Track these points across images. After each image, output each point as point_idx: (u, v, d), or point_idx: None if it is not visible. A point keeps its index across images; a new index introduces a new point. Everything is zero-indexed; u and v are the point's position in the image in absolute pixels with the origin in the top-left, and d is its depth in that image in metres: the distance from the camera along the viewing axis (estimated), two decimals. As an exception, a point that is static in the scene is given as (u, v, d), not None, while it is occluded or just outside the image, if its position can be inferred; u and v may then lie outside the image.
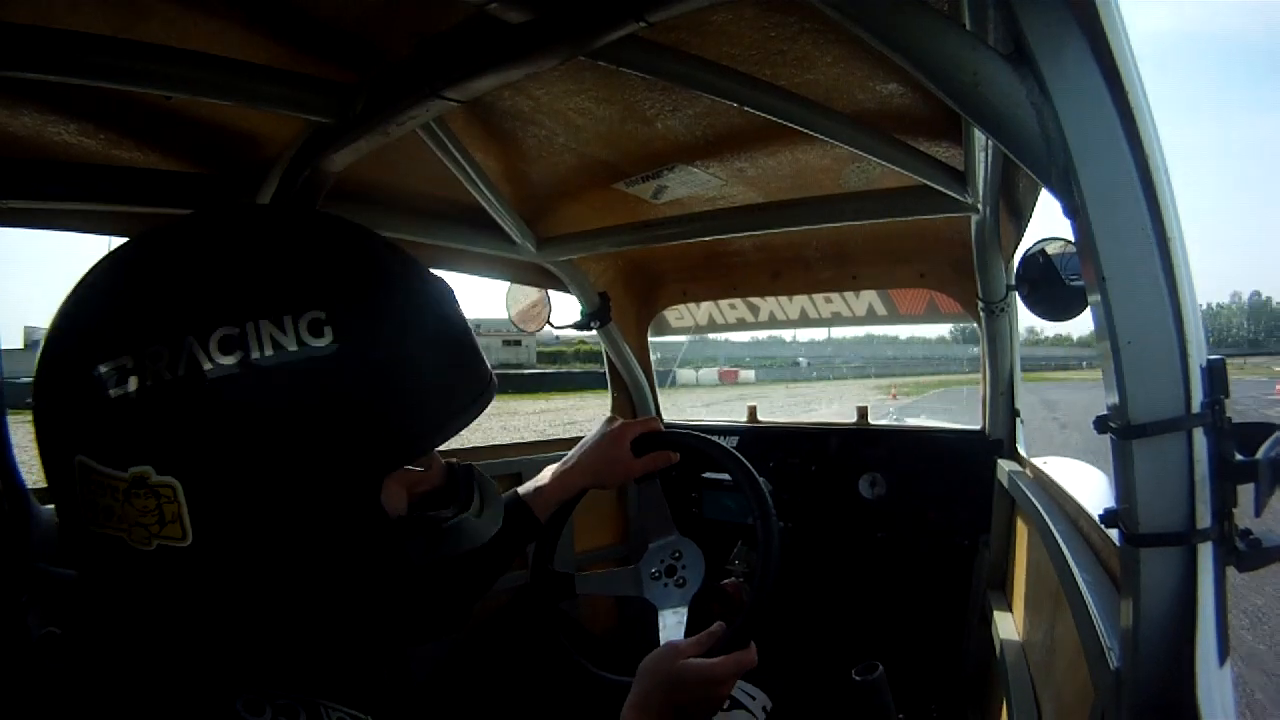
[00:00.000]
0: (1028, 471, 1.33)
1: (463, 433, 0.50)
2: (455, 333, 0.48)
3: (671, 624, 1.02)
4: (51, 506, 0.91)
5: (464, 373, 0.48)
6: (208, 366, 0.38)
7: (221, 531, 0.39)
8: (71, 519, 0.40)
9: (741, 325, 1.91)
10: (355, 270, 0.44)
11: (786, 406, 19.94)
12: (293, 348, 0.39)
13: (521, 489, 0.93)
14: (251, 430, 0.39)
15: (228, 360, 0.38)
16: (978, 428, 1.57)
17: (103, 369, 0.38)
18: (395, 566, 0.46)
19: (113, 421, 0.38)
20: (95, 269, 0.43)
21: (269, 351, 0.39)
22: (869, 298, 1.74)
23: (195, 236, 0.44)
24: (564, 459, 0.95)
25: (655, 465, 0.97)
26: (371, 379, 0.42)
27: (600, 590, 1.08)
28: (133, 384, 0.38)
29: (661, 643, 1.00)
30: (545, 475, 0.94)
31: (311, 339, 0.40)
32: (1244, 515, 0.46)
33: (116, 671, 0.41)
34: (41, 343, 0.41)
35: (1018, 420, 1.48)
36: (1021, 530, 1.27)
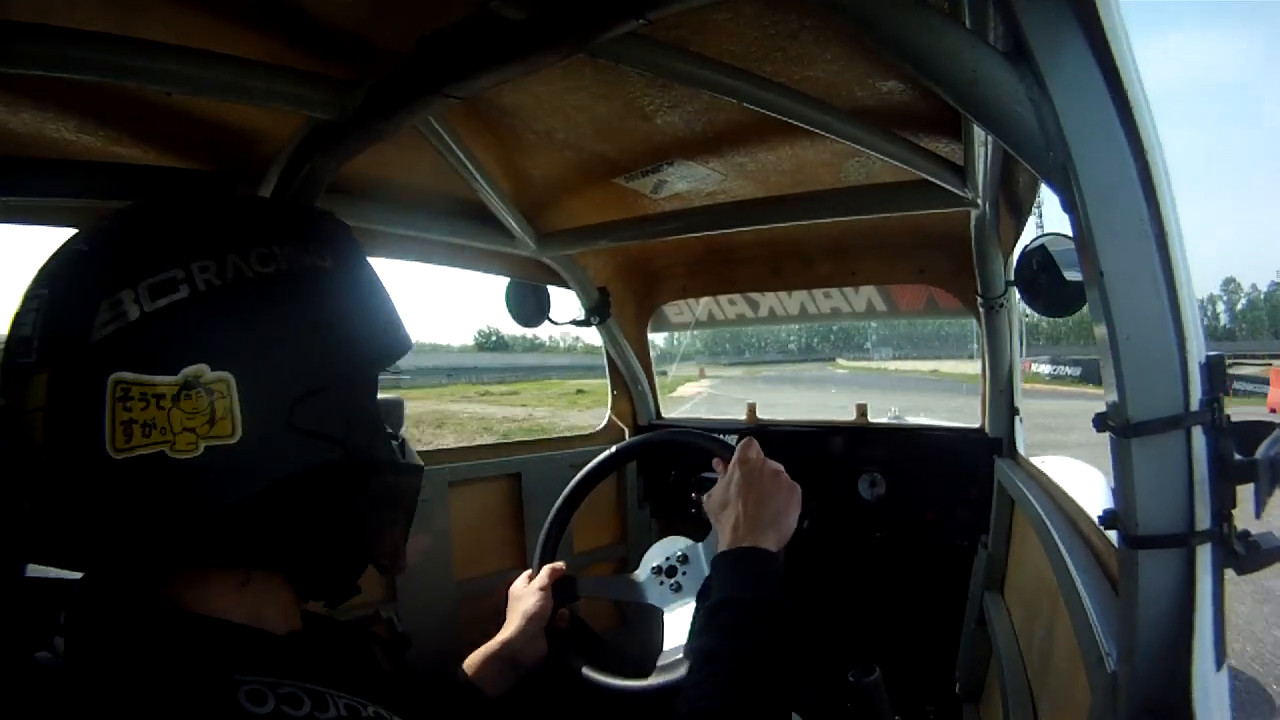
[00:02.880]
0: (1027, 471, 1.33)
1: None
2: (379, 279, 0.57)
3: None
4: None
5: (394, 309, 0.57)
6: (249, 274, 0.45)
7: (263, 421, 0.44)
8: (85, 455, 0.41)
9: (741, 321, 1.91)
10: (334, 224, 0.54)
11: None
12: (309, 262, 0.49)
13: (466, 664, 0.92)
14: (288, 322, 0.46)
15: (266, 270, 0.46)
16: (977, 426, 1.57)
17: (146, 284, 0.42)
18: (390, 460, 0.54)
19: (160, 329, 0.42)
20: (88, 230, 0.46)
21: (295, 265, 0.48)
22: (868, 293, 1.74)
23: (196, 201, 0.50)
24: None
25: (550, 577, 1.03)
26: (359, 291, 0.52)
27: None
28: (183, 291, 0.43)
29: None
30: (490, 642, 0.95)
31: (320, 260, 0.49)
32: (1243, 518, 0.45)
33: (114, 666, 0.41)
34: (38, 303, 0.43)
35: (1017, 419, 1.47)
36: (1020, 531, 1.27)
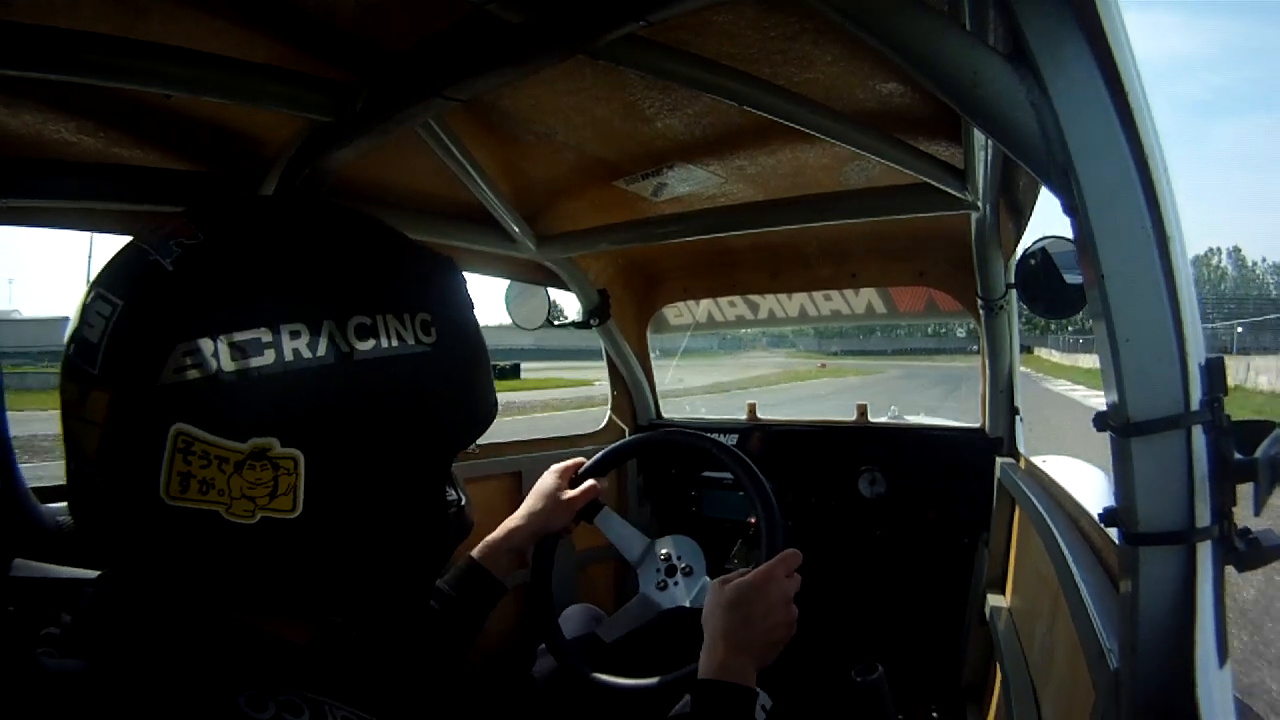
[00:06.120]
0: (1027, 470, 1.33)
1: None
2: (483, 340, 0.54)
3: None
4: (54, 505, 0.91)
5: (490, 374, 0.54)
6: (345, 349, 0.42)
7: (329, 504, 0.43)
8: (138, 492, 0.40)
9: (741, 323, 1.91)
10: (447, 279, 0.51)
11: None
12: (411, 342, 0.45)
13: (475, 552, 0.98)
14: (373, 411, 0.44)
15: (364, 346, 0.43)
16: (977, 425, 1.57)
17: (229, 341, 0.40)
18: (445, 540, 0.54)
19: (235, 393, 0.40)
20: (180, 244, 0.42)
21: (394, 343, 0.44)
22: (868, 295, 1.74)
23: (298, 227, 0.46)
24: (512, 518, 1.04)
25: (587, 496, 1.07)
26: (455, 374, 0.49)
27: (627, 629, 1.10)
28: (268, 356, 0.40)
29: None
30: (498, 532, 1.01)
31: (423, 336, 0.46)
32: (1243, 515, 0.46)
33: (119, 668, 0.41)
34: (110, 311, 0.40)
35: (1017, 418, 1.48)
36: (1021, 529, 1.27)
